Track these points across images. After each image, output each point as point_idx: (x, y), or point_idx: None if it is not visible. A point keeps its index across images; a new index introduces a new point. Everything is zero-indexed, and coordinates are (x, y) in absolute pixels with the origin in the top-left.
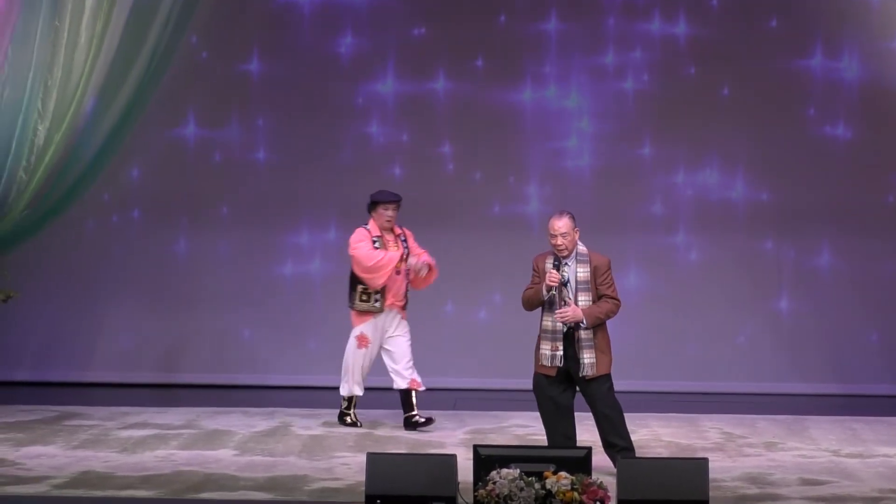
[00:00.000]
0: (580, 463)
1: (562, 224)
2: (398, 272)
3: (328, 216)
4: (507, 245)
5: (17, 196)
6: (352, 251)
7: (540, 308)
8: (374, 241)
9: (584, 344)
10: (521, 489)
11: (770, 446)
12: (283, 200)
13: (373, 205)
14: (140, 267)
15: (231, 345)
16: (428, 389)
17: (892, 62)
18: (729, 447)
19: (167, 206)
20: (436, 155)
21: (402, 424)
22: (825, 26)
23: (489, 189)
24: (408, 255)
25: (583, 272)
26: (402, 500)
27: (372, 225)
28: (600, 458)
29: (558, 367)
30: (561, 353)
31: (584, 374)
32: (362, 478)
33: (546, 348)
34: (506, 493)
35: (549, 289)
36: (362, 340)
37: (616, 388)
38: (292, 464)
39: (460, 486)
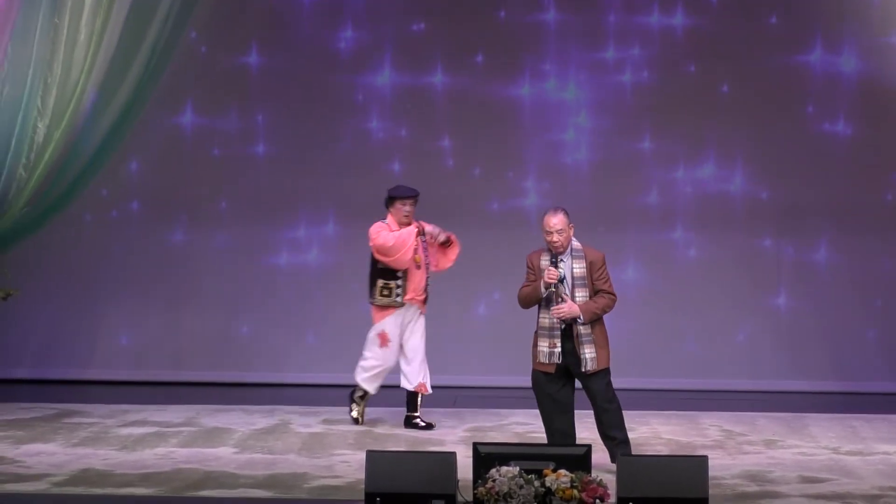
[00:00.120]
0: (580, 460)
1: (557, 221)
2: (418, 266)
3: (326, 210)
4: (507, 241)
5: (17, 193)
6: (372, 242)
7: (536, 305)
8: None
9: (583, 339)
10: (521, 487)
11: (770, 444)
12: (282, 195)
13: (390, 200)
14: (139, 264)
15: (230, 342)
16: None
17: (891, 58)
18: (729, 445)
19: (166, 201)
20: (435, 149)
21: (401, 422)
22: (824, 22)
23: (488, 184)
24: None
25: (579, 268)
26: (402, 498)
27: (390, 220)
28: (600, 456)
29: (557, 364)
30: (559, 349)
31: (586, 369)
32: (362, 475)
33: (544, 345)
34: (505, 491)
35: (548, 286)
36: (383, 339)
37: (616, 385)
38: (292, 461)
39: (460, 483)
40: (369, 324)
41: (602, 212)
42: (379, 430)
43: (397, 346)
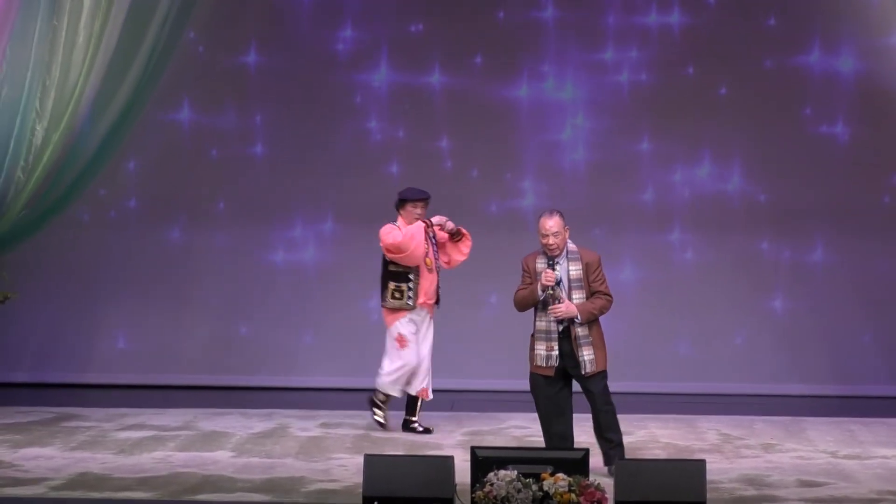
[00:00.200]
0: (578, 464)
1: (553, 223)
2: (430, 269)
3: (324, 210)
4: (505, 243)
5: (15, 196)
6: (383, 242)
7: (533, 308)
8: None
9: (581, 341)
10: (519, 491)
11: (768, 448)
12: (280, 195)
13: (401, 202)
14: (138, 266)
15: (228, 345)
16: None
17: (889, 59)
18: (726, 448)
19: (165, 202)
20: (433, 150)
21: (400, 426)
22: (823, 23)
23: (486, 185)
24: (434, 234)
25: (575, 270)
26: (400, 502)
27: (401, 222)
28: (598, 460)
29: (554, 367)
30: (556, 352)
31: (585, 371)
32: (359, 479)
33: (541, 348)
34: (503, 495)
35: (545, 288)
36: (402, 341)
37: (613, 389)
38: (290, 465)
39: (458, 487)
40: (368, 324)
41: (599, 213)
42: (377, 433)
43: (416, 345)
